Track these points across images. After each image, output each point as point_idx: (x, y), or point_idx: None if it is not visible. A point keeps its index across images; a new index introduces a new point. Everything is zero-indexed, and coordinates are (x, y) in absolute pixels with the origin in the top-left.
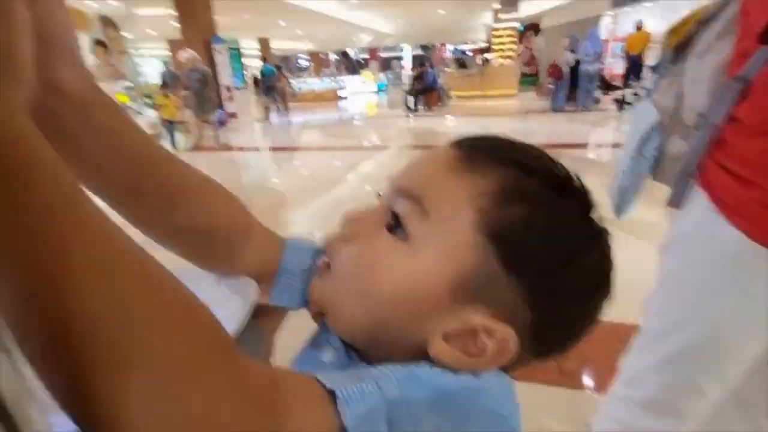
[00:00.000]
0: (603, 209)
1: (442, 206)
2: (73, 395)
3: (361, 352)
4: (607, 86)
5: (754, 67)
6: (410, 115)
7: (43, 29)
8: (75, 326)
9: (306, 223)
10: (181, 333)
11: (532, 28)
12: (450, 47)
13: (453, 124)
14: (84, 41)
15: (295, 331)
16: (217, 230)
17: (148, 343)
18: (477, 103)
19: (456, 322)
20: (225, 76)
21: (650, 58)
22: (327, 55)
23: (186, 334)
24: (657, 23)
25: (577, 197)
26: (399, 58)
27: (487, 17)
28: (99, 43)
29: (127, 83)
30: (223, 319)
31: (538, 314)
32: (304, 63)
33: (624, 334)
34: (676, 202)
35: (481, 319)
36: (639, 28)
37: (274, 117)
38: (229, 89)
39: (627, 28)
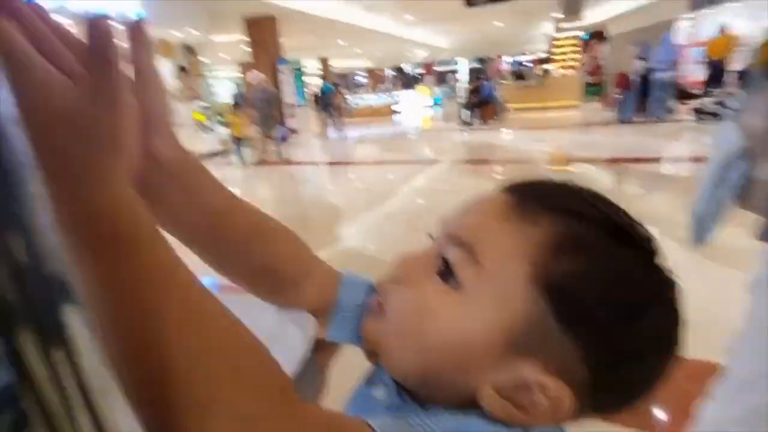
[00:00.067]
0: (682, 231)
1: (494, 256)
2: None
3: (413, 392)
4: (683, 95)
5: None
6: (465, 128)
7: (144, 108)
8: (164, 376)
9: (360, 235)
10: (255, 386)
11: (597, 36)
12: (507, 59)
13: (509, 137)
14: (168, 67)
15: (348, 365)
16: (281, 269)
17: (225, 395)
18: (536, 115)
19: (507, 374)
20: (288, 94)
21: (735, 63)
22: (383, 71)
23: (259, 387)
24: (745, 24)
25: (640, 246)
26: (454, 72)
27: (548, 27)
28: (181, 68)
29: (203, 103)
30: (286, 353)
31: (596, 373)
32: (361, 80)
33: (701, 373)
34: (767, 236)
35: (534, 373)
36: (723, 31)
37: (331, 132)
38: (291, 107)
39: (709, 31)
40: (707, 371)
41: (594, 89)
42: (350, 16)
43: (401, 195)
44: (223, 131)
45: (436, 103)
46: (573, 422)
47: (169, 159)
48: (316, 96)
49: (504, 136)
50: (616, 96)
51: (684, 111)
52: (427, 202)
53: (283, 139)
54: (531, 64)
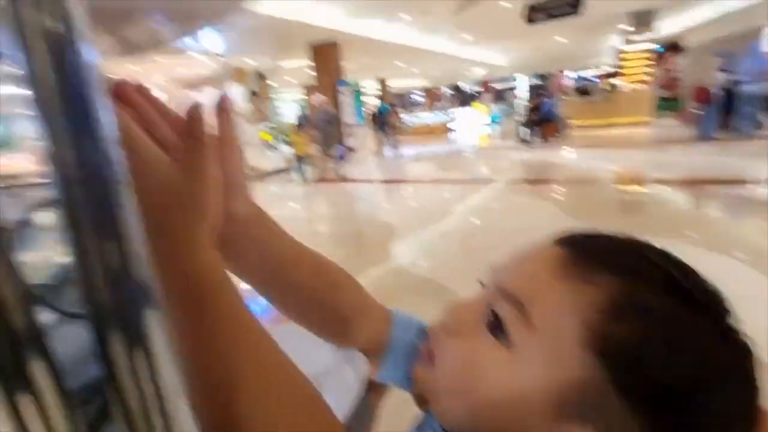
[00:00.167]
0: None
1: (547, 317)
2: None
3: None
4: None
5: None
6: (524, 146)
7: (225, 172)
8: (229, 412)
9: (413, 253)
10: (308, 428)
11: (672, 47)
12: (570, 74)
13: (572, 155)
14: (241, 92)
15: (398, 407)
16: (339, 310)
17: None
18: (601, 132)
19: None
20: (347, 114)
21: None
22: (440, 89)
23: (312, 429)
24: None
25: (710, 309)
26: (513, 89)
27: (615, 40)
28: (252, 93)
29: (270, 124)
30: (340, 391)
31: None
32: (418, 98)
33: None
34: None
35: None
36: None
37: (387, 151)
38: (349, 126)
39: None
40: None
41: (668, 104)
42: (408, 38)
43: (456, 214)
44: (287, 150)
45: (493, 121)
46: None
47: (242, 215)
48: (372, 115)
49: (566, 155)
50: (695, 111)
51: None
52: (482, 221)
53: (342, 157)
54: (597, 79)
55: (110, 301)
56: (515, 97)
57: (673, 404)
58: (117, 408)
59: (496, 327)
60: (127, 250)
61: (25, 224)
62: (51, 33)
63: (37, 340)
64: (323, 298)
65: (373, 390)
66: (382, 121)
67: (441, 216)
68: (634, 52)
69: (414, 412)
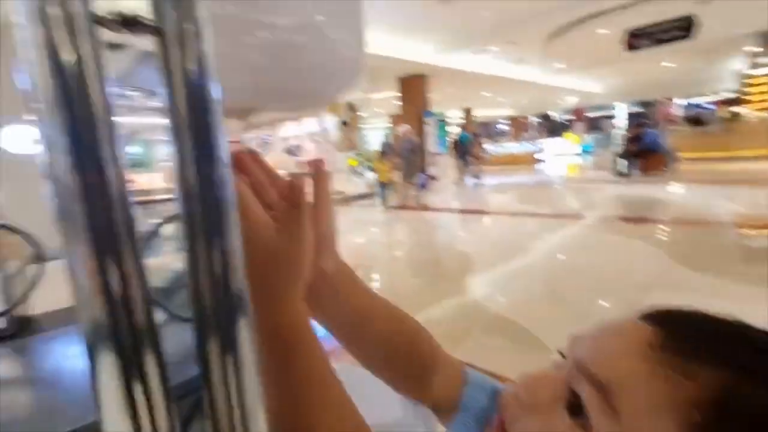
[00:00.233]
0: None
1: (634, 407)
2: None
3: None
4: None
5: None
6: (621, 180)
7: (317, 232)
8: None
9: (490, 288)
10: None
11: None
12: (680, 101)
13: (680, 191)
14: (333, 122)
15: None
16: (413, 363)
17: None
18: (717, 166)
19: None
20: (430, 143)
21: None
22: (527, 118)
23: None
24: None
25: None
26: (610, 117)
27: (738, 63)
28: (343, 122)
29: (357, 151)
30: None
31: None
32: (503, 127)
33: None
34: None
35: None
36: None
37: (468, 180)
38: (432, 155)
39: None
40: None
41: None
42: (495, 68)
43: (539, 250)
44: (371, 176)
45: (585, 151)
46: None
47: (329, 269)
48: (453, 144)
49: (673, 191)
50: None
51: None
52: (568, 260)
53: (423, 186)
54: (712, 107)
55: (211, 307)
56: (613, 126)
57: None
58: (207, 403)
59: (575, 408)
60: (229, 263)
61: (153, 234)
62: (189, 73)
63: (152, 337)
64: (401, 351)
65: None
66: (463, 151)
67: (522, 251)
68: (762, 76)
69: None
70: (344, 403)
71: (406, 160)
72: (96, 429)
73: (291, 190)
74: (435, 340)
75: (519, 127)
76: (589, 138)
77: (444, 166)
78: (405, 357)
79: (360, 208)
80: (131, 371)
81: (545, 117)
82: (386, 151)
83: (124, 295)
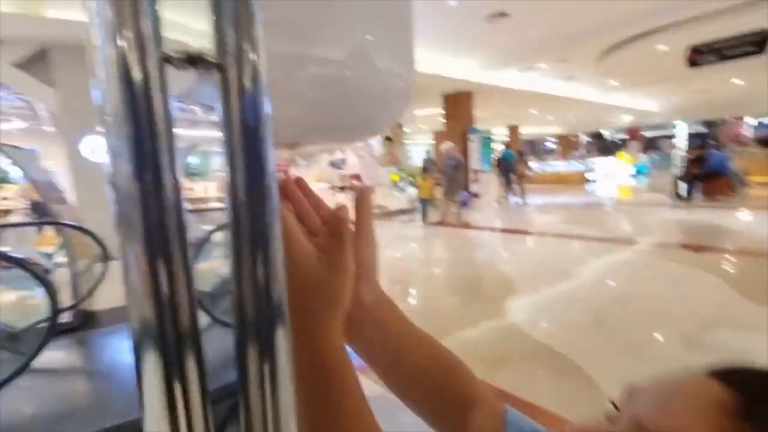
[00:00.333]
0: None
1: None
2: None
3: None
4: None
5: None
6: (681, 204)
7: (359, 261)
8: None
9: (531, 313)
10: None
11: None
12: (751, 121)
13: (747, 218)
14: (378, 138)
15: None
16: (452, 398)
17: None
18: None
19: None
20: (474, 160)
21: None
22: (577, 136)
23: None
24: None
25: None
26: (669, 137)
27: None
28: (388, 138)
29: (400, 166)
30: None
31: None
32: (551, 145)
33: None
34: None
35: None
36: None
37: (512, 198)
38: (475, 172)
39: None
40: None
41: None
42: (545, 86)
43: (586, 276)
44: (412, 191)
45: (639, 172)
46: None
47: (368, 299)
48: (497, 161)
49: (741, 218)
50: None
51: None
52: (618, 289)
53: (465, 203)
54: None
55: (253, 315)
56: (672, 146)
57: None
58: (242, 411)
59: None
60: (272, 272)
61: (205, 240)
62: (244, 90)
63: (194, 340)
64: (438, 386)
65: None
66: (506, 168)
67: (567, 275)
68: None
69: None
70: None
71: (449, 177)
72: (139, 426)
73: (334, 220)
74: (475, 376)
75: (568, 145)
76: (645, 158)
77: (487, 183)
78: (442, 392)
79: (400, 223)
80: (172, 372)
81: (596, 135)
82: (428, 167)
83: (171, 298)
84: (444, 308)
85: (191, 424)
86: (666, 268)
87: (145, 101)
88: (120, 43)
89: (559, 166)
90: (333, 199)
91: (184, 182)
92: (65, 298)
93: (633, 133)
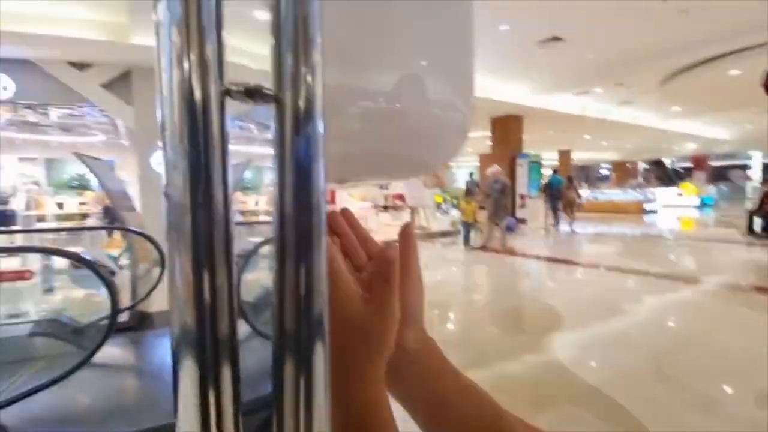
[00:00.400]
0: None
1: None
2: None
3: None
4: None
5: None
6: (755, 241)
7: (404, 303)
8: None
9: (578, 351)
10: None
11: None
12: None
13: None
14: None
15: None
16: None
17: None
18: None
19: None
20: (521, 185)
21: None
22: (636, 164)
23: None
24: None
25: None
26: (742, 167)
27: None
28: None
29: (444, 188)
30: None
31: None
32: (605, 172)
33: None
34: None
35: None
36: None
37: (561, 226)
38: (522, 197)
39: None
40: None
41: None
42: (600, 111)
43: (641, 314)
44: (456, 214)
45: (704, 204)
46: None
47: (412, 345)
48: (545, 187)
49: None
50: None
51: None
52: (678, 332)
53: (510, 229)
54: None
55: (292, 329)
56: (746, 178)
57: None
58: (276, 425)
59: None
60: (314, 287)
61: (253, 252)
62: (299, 110)
63: (231, 350)
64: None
65: None
66: (554, 195)
67: (621, 313)
68: None
69: None
70: None
71: (494, 201)
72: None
73: (383, 262)
74: (522, 425)
75: (623, 172)
76: (712, 190)
77: (535, 209)
78: None
79: (442, 245)
80: (207, 380)
81: (656, 163)
82: (471, 189)
83: (213, 307)
84: (482, 337)
85: None
86: (736, 313)
87: (203, 122)
88: (184, 68)
89: (613, 194)
90: (376, 219)
91: (238, 196)
92: (125, 299)
93: (699, 161)
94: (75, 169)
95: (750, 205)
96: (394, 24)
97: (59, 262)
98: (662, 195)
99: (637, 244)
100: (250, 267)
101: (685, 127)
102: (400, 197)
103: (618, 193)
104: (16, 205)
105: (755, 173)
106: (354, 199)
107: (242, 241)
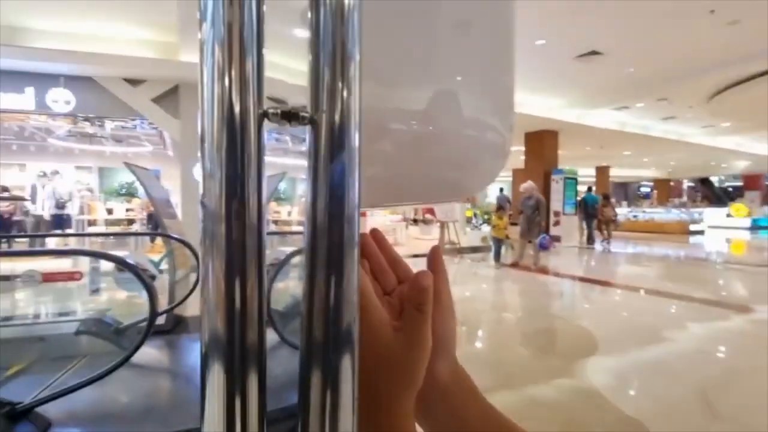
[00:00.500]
0: None
1: None
2: None
3: None
4: None
5: None
6: None
7: (436, 332)
8: None
9: (615, 378)
10: None
11: None
12: None
13: None
14: None
15: None
16: None
17: None
18: None
19: None
20: (556, 201)
21: None
22: (680, 182)
23: None
24: None
25: None
26: None
27: None
28: None
29: (475, 203)
30: None
31: None
32: (646, 190)
33: None
34: None
35: None
36: None
37: (598, 245)
38: (556, 214)
39: None
40: None
41: None
42: (641, 127)
43: (685, 342)
44: (486, 229)
45: (757, 226)
46: None
47: (443, 377)
48: (581, 203)
49: None
50: None
51: None
52: (728, 363)
53: (543, 246)
54: None
55: (320, 339)
56: None
57: None
58: (303, 428)
59: None
60: (343, 299)
61: (285, 261)
62: (334, 128)
63: (259, 358)
64: None
65: None
66: (588, 212)
67: (662, 339)
68: None
69: None
70: None
71: (528, 218)
72: None
73: (416, 289)
74: None
75: (666, 190)
76: (767, 211)
77: (570, 227)
78: None
79: (471, 261)
80: (234, 386)
81: (703, 181)
82: (502, 205)
83: (242, 315)
84: (511, 358)
85: None
86: None
87: (240, 137)
88: (225, 84)
89: (654, 213)
90: (406, 232)
91: (272, 206)
92: (163, 302)
93: (751, 181)
94: (124, 177)
95: None
96: (428, 40)
97: (105, 265)
98: (709, 215)
99: (681, 266)
100: (282, 276)
101: (735, 144)
102: (431, 211)
103: (660, 212)
104: (72, 209)
105: None
106: (384, 212)
107: (275, 250)
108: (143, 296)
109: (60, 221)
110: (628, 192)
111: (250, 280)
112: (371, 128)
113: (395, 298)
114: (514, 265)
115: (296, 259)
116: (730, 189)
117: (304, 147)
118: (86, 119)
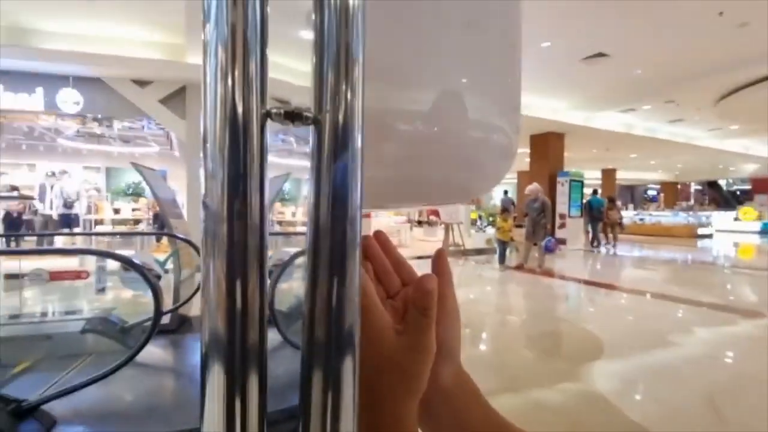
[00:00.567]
0: None
1: None
2: None
3: None
4: None
5: None
6: None
7: (440, 335)
8: None
9: (620, 383)
10: None
11: None
12: None
13: None
14: None
15: None
16: None
17: None
18: None
19: None
20: (561, 204)
21: None
22: (687, 185)
23: None
24: None
25: None
26: None
27: None
28: None
29: (480, 205)
30: None
31: None
32: (652, 193)
33: None
34: None
35: None
36: None
37: (603, 248)
38: (562, 217)
39: None
40: None
41: None
42: (648, 129)
43: (692, 347)
44: (491, 231)
45: (766, 230)
46: None
47: (447, 383)
48: (584, 207)
49: None
50: None
51: None
52: (737, 369)
53: (548, 249)
54: None
55: (322, 340)
56: None
57: None
58: (304, 430)
59: None
60: (345, 300)
61: (288, 262)
62: (338, 129)
63: (259, 359)
64: None
65: None
66: (593, 215)
67: (668, 344)
68: None
69: None
70: None
71: (533, 220)
72: None
73: (420, 292)
74: None
75: (673, 193)
76: None
77: (575, 230)
78: None
79: (476, 263)
80: (234, 387)
81: (711, 184)
82: (507, 207)
83: (243, 315)
84: (517, 362)
85: None
86: None
87: (243, 138)
88: (228, 85)
89: (660, 216)
90: (410, 234)
91: (276, 206)
92: (168, 302)
93: (760, 184)
94: (131, 177)
95: None
96: (433, 40)
97: (111, 264)
98: (717, 219)
99: (688, 270)
100: (286, 277)
101: (744, 147)
102: (435, 212)
103: (667, 215)
104: (79, 209)
105: None
106: (389, 213)
107: (279, 251)
108: (148, 295)
109: (68, 220)
110: (634, 195)
111: (251, 280)
112: (378, 129)
113: (399, 301)
114: (519, 267)
115: (300, 260)
116: (739, 192)
117: (308, 148)
118: (94, 119)
